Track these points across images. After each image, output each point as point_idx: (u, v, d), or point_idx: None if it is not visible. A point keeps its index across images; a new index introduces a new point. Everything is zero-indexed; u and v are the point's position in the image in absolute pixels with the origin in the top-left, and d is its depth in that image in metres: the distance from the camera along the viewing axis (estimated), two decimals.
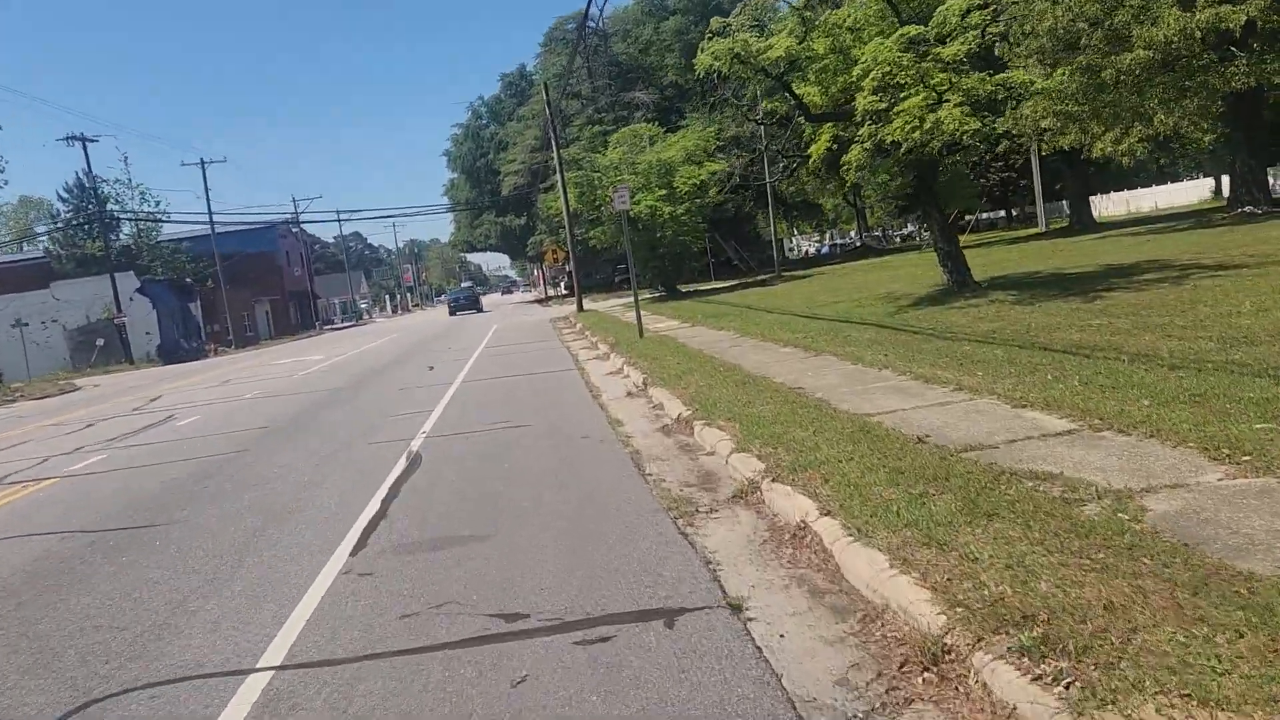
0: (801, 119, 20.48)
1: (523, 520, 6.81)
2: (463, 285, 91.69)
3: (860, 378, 10.62)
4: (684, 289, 42.67)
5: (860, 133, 17.15)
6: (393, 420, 13.04)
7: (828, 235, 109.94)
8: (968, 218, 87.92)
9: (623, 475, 7.92)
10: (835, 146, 20.03)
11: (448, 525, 6.95)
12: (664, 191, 37.88)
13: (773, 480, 6.52)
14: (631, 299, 49.37)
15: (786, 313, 21.39)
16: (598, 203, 39.08)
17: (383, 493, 8.29)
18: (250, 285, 75.26)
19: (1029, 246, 36.50)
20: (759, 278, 45.72)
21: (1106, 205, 71.08)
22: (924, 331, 13.91)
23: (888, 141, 16.89)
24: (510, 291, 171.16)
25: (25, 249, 73.46)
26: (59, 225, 59.14)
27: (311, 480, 9.34)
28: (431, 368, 20.94)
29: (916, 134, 16.23)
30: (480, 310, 66.85)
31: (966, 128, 15.22)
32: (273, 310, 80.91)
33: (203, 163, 58.82)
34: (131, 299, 52.75)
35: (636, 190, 38.30)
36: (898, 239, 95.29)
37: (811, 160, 20.68)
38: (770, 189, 44.94)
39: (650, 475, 7.80)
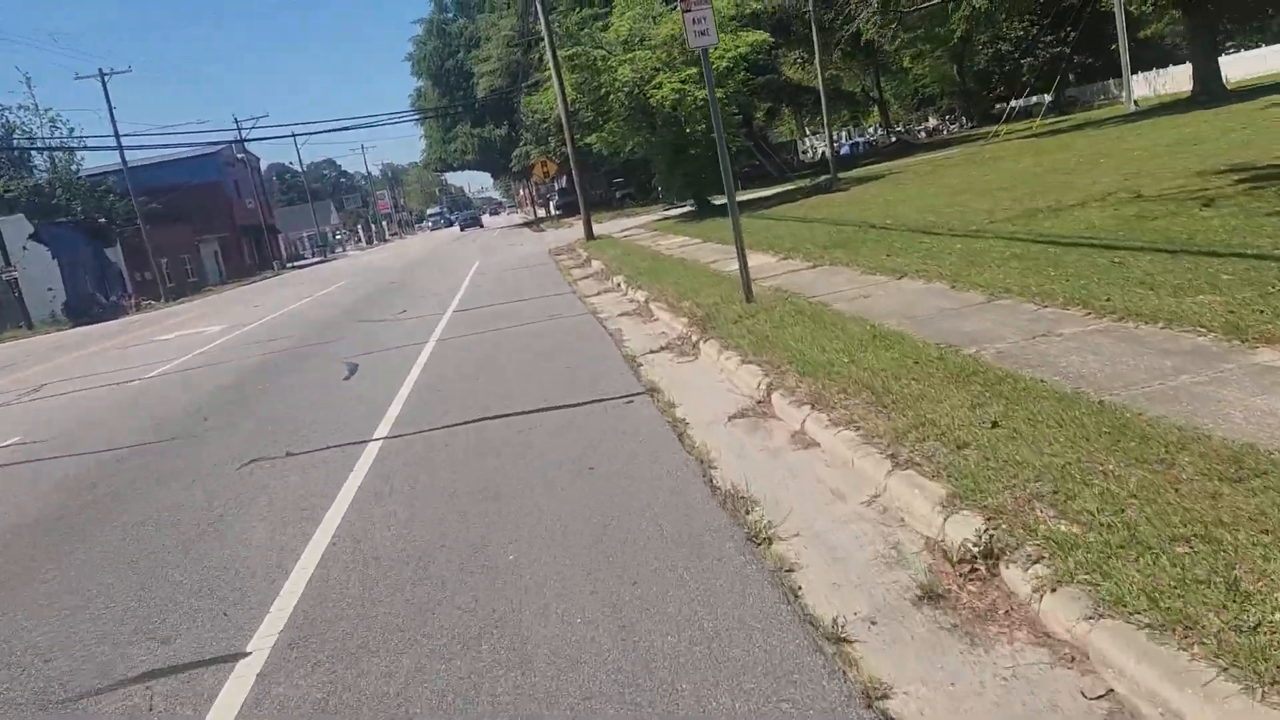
0: None
1: None
2: (466, 211, 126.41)
3: None
4: (718, 202, 32.85)
5: None
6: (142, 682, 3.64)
7: (843, 133, 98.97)
8: (1012, 103, 77.89)
9: None
10: None
11: None
12: (693, 70, 27.81)
13: None
14: (647, 218, 39.40)
15: (984, 235, 11.85)
16: (603, 91, 28.98)
17: None
18: (192, 222, 65.16)
19: (1170, 126, 26.61)
20: (810, 183, 35.84)
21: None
22: None
23: None
24: (496, 213, 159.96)
25: None
26: None
27: None
28: (347, 375, 11.41)
29: None
30: (481, 226, 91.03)
31: None
32: (223, 249, 70.82)
33: (102, 74, 47.75)
34: (25, 248, 42.67)
35: (656, 70, 28.28)
36: (921, 134, 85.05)
37: None
38: (820, 72, 34.73)
39: None
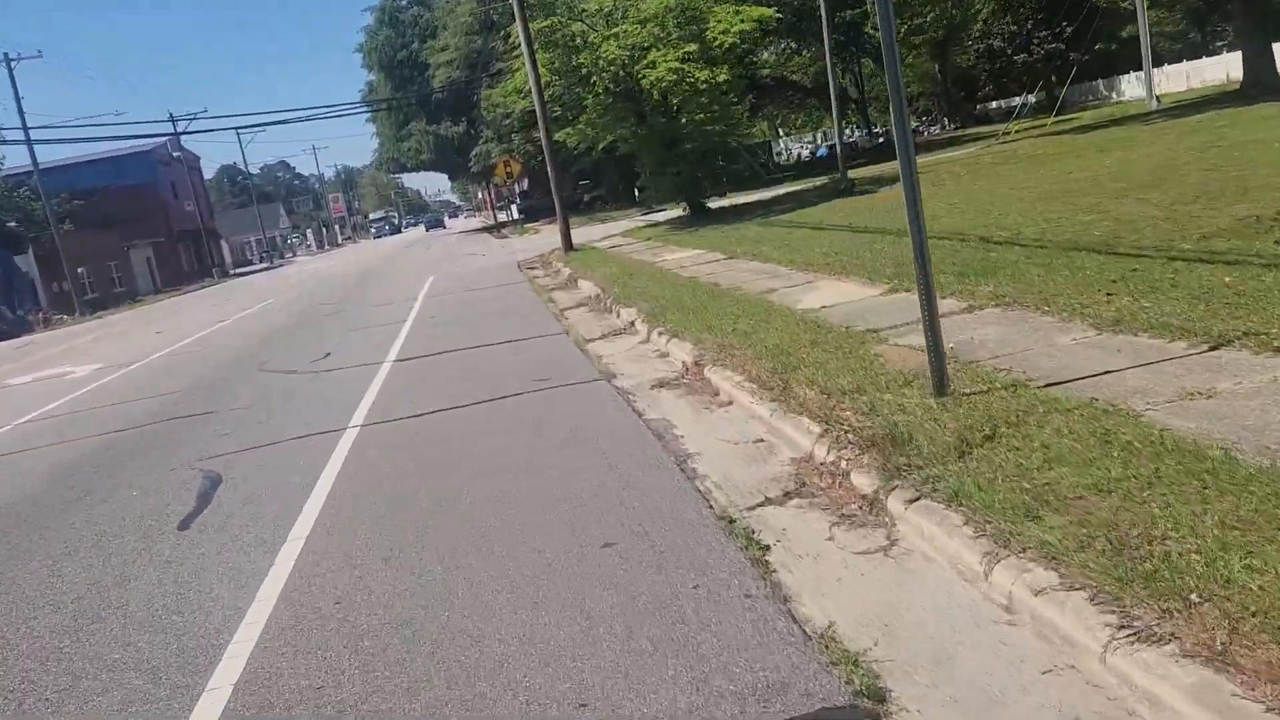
0: None
1: None
2: (430, 215, 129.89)
3: None
4: (714, 205, 28.13)
5: None
6: None
7: (818, 135, 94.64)
8: (1028, 98, 74.62)
9: None
10: None
11: None
12: (693, 46, 23.11)
13: None
14: (625, 224, 34.43)
15: (1245, 259, 7.32)
16: (583, 72, 24.18)
17: None
18: (122, 226, 59.28)
19: (1253, 120, 22.52)
20: (816, 185, 31.29)
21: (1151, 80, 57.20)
22: None
23: None
24: (455, 216, 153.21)
25: None
26: None
27: None
28: (185, 519, 6.39)
29: None
30: (445, 227, 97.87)
31: None
32: (157, 256, 64.92)
33: (8, 59, 41.92)
34: None
35: (648, 46, 23.53)
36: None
37: None
38: (829, 60, 29.98)
39: None
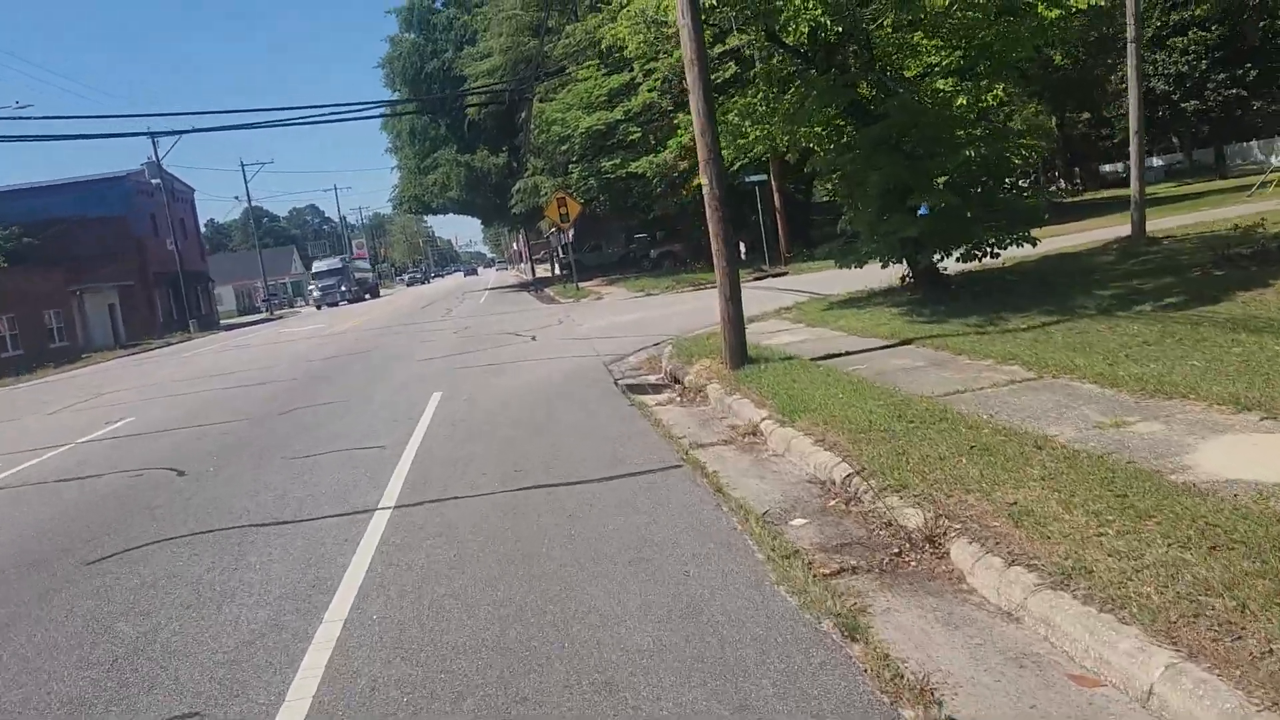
0: None
1: None
2: (466, 265, 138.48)
3: None
4: (952, 269, 15.67)
5: None
6: None
7: None
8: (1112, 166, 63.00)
9: None
10: None
11: None
12: None
13: None
14: (763, 295, 18.41)
15: None
16: (774, 4, 11.93)
17: None
18: (78, 265, 48.13)
19: None
20: (1078, 242, 18.78)
21: None
22: None
23: None
24: (488, 267, 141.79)
25: None
26: None
27: None
28: None
29: None
30: (477, 274, 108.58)
31: None
32: (124, 302, 53.39)
33: None
34: None
35: None
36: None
37: None
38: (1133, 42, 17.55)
39: None
